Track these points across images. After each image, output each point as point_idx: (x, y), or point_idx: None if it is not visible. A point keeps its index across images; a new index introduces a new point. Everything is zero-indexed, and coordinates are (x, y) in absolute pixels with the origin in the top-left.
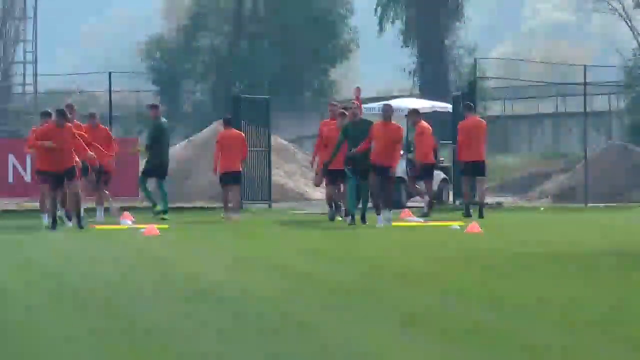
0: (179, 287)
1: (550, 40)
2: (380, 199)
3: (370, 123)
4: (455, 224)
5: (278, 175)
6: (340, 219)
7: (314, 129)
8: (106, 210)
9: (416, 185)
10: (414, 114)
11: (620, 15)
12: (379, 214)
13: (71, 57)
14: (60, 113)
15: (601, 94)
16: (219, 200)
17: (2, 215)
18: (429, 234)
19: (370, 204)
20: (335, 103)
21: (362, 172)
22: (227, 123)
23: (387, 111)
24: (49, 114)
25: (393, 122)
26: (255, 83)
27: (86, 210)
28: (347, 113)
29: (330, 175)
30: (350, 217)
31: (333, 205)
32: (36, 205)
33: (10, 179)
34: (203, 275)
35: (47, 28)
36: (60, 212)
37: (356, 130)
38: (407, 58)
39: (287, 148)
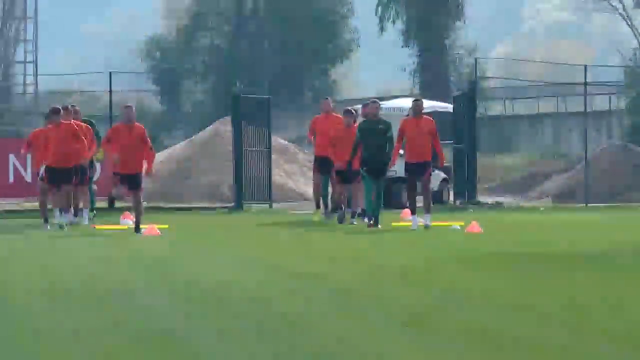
0: (179, 287)
1: (551, 40)
2: (417, 200)
3: (386, 122)
4: (456, 224)
5: (278, 175)
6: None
7: None
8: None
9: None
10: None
11: (621, 15)
12: (415, 214)
13: (71, 57)
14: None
15: (601, 94)
16: (219, 200)
17: (2, 215)
18: (429, 234)
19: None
20: (327, 97)
21: (377, 172)
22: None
23: (419, 106)
24: (58, 111)
25: (424, 116)
26: (255, 83)
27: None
28: (352, 111)
29: (321, 166)
30: (369, 218)
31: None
32: (35, 205)
33: (11, 179)
34: (203, 275)
35: (47, 28)
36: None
37: (371, 127)
38: (408, 58)
39: (288, 148)
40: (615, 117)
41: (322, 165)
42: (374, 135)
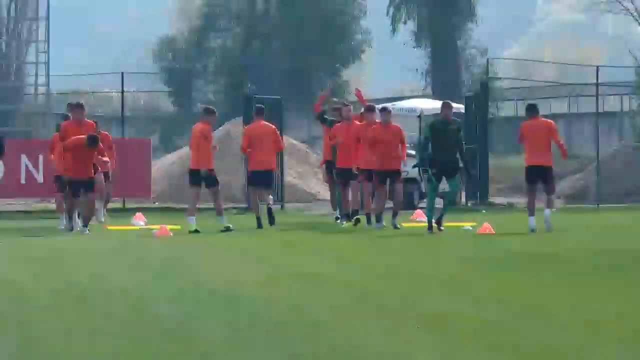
0: (191, 287)
1: (563, 41)
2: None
3: (458, 122)
4: (467, 225)
5: (289, 176)
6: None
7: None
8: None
9: None
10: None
11: (633, 16)
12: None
13: (83, 58)
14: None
15: (613, 95)
16: (231, 200)
17: (14, 215)
18: (441, 235)
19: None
20: (347, 104)
21: (449, 172)
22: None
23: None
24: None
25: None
26: (266, 84)
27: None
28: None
29: (340, 176)
30: (428, 224)
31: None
32: (47, 206)
33: (23, 180)
34: (215, 275)
35: (59, 28)
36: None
37: (443, 127)
38: (420, 59)
39: (299, 149)
40: (627, 118)
41: (343, 177)
42: (446, 135)
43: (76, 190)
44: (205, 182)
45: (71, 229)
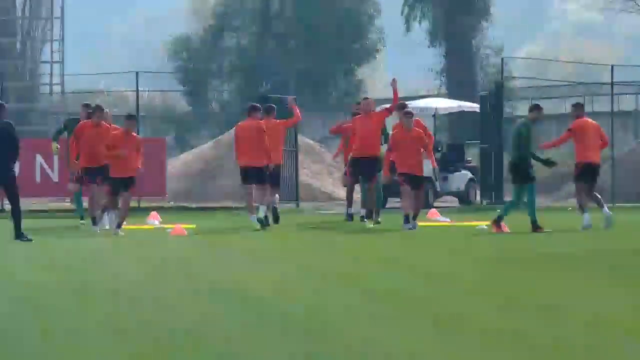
0: (205, 287)
1: (578, 40)
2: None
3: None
4: (482, 224)
5: (305, 175)
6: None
7: None
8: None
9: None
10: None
11: None
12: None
13: (97, 57)
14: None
15: (628, 94)
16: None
17: (29, 215)
18: (456, 234)
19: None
20: (368, 97)
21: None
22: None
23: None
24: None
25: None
26: (281, 83)
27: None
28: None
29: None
30: (534, 224)
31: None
32: (62, 205)
33: (38, 179)
34: (229, 274)
35: (73, 28)
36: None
37: (531, 129)
38: (434, 58)
39: (314, 148)
40: None
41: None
42: (532, 137)
43: (116, 189)
44: (259, 178)
45: (100, 223)
